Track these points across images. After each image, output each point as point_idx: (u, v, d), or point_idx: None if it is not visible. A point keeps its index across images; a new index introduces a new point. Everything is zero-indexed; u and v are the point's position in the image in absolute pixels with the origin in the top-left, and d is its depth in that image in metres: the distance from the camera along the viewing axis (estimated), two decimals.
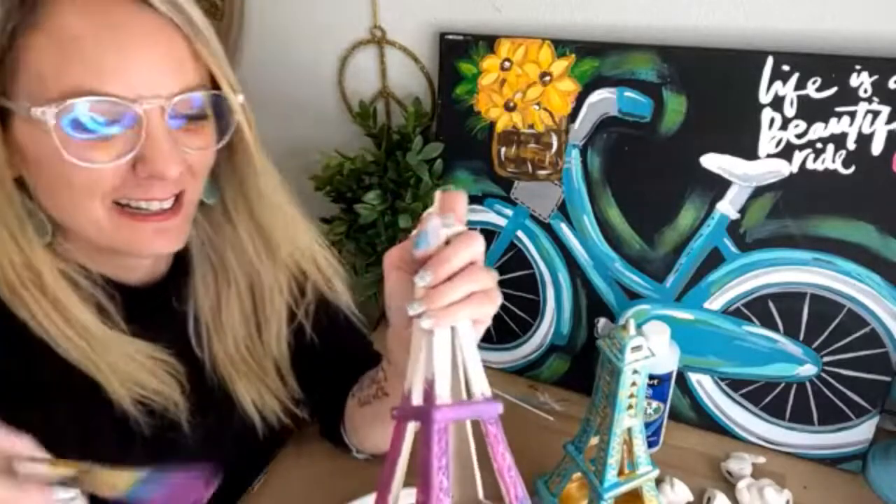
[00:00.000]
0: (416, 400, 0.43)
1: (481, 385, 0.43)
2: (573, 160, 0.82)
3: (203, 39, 0.52)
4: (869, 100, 0.67)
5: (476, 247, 0.46)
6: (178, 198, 0.55)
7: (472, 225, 0.90)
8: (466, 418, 0.42)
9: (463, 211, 0.46)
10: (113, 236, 0.53)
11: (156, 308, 0.62)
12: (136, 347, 0.57)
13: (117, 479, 0.39)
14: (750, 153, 0.73)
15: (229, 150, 0.58)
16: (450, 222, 0.44)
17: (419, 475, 0.38)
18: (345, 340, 0.75)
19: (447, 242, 0.45)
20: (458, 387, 0.43)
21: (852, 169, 0.69)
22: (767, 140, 0.72)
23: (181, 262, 0.64)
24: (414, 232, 0.46)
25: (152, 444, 0.60)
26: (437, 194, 0.46)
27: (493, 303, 0.47)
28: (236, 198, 0.61)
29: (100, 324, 0.55)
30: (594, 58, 0.77)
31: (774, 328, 0.77)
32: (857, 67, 0.66)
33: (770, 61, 0.70)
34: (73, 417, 0.56)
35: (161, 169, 0.50)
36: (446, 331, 0.43)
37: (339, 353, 0.75)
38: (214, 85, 0.54)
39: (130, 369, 0.56)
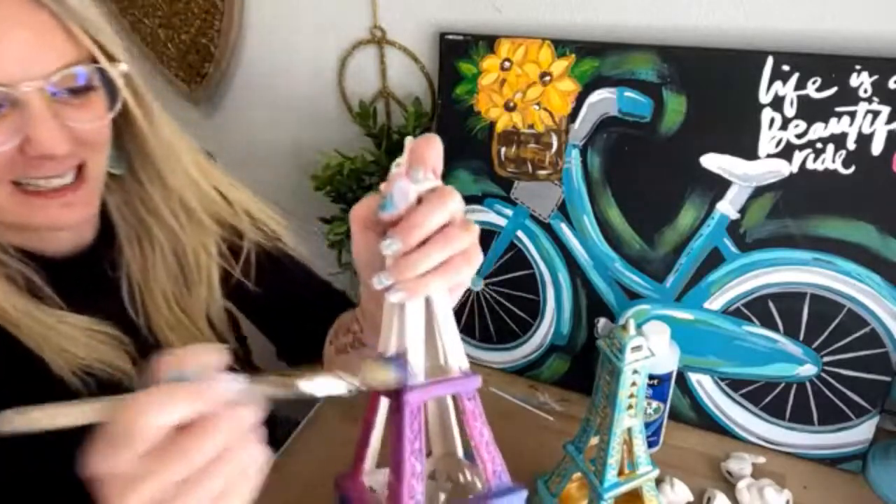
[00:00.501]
0: None
1: (458, 358, 0.40)
2: (573, 160, 0.82)
3: (74, 16, 0.52)
4: (869, 100, 0.67)
5: (452, 204, 0.40)
6: (81, 170, 0.55)
7: None
8: (443, 394, 0.39)
9: (436, 160, 0.41)
10: (19, 215, 0.54)
11: (88, 277, 0.62)
12: (73, 321, 0.57)
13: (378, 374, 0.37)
14: (750, 153, 0.73)
15: (127, 119, 0.58)
16: (420, 177, 0.39)
17: (391, 456, 0.35)
18: (300, 289, 0.77)
19: (420, 201, 0.39)
20: (436, 358, 0.39)
21: (852, 169, 0.69)
22: (767, 140, 0.72)
23: (107, 229, 0.64)
24: (383, 186, 0.40)
25: None
26: (407, 142, 0.40)
27: (472, 265, 0.42)
28: (144, 165, 0.61)
29: (30, 301, 0.56)
30: (594, 58, 0.77)
31: (774, 328, 0.77)
32: (857, 67, 0.66)
33: (770, 61, 0.70)
34: (19, 397, 0.57)
35: (48, 148, 0.50)
36: (419, 302, 0.38)
37: (296, 303, 0.76)
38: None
39: (71, 344, 0.57)
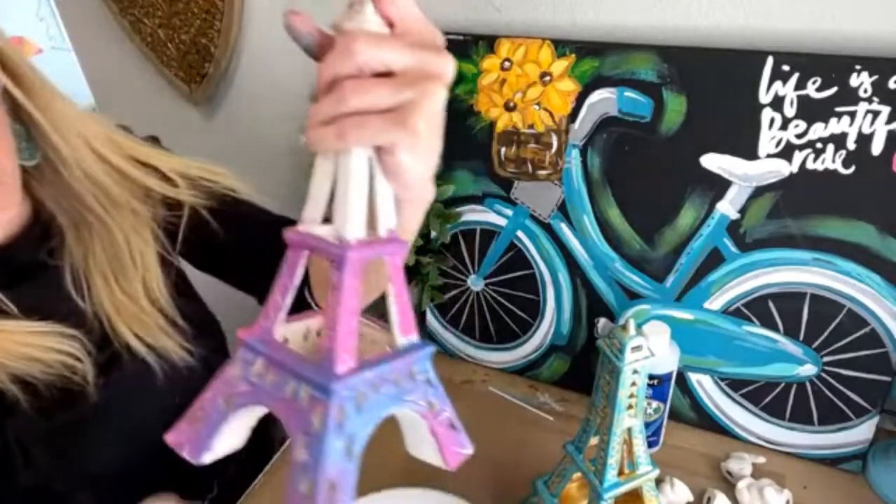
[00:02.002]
0: (319, 228, 0.37)
1: (387, 220, 0.38)
2: (573, 160, 0.82)
3: None
4: (869, 100, 0.67)
5: (360, 53, 0.34)
6: None
7: (472, 225, 0.91)
8: (380, 255, 0.38)
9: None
10: None
11: (26, 267, 0.62)
12: (12, 327, 0.57)
13: None
14: (750, 153, 0.73)
15: (15, 105, 0.57)
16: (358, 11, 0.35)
17: (328, 319, 0.34)
18: (262, 231, 0.75)
19: None
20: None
21: (852, 169, 0.69)
22: (767, 140, 0.72)
23: (39, 218, 0.63)
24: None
25: (58, 408, 0.61)
26: None
27: (398, 128, 0.35)
28: (49, 150, 0.60)
29: None
30: (594, 58, 0.77)
31: (774, 328, 0.77)
32: (857, 67, 0.66)
33: (770, 61, 0.70)
34: None
35: None
36: (351, 159, 0.35)
37: (262, 245, 0.75)
38: None
39: (6, 355, 0.56)
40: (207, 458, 0.38)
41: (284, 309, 0.39)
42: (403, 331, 0.38)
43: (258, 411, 0.38)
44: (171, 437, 0.39)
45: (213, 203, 0.71)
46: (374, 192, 0.37)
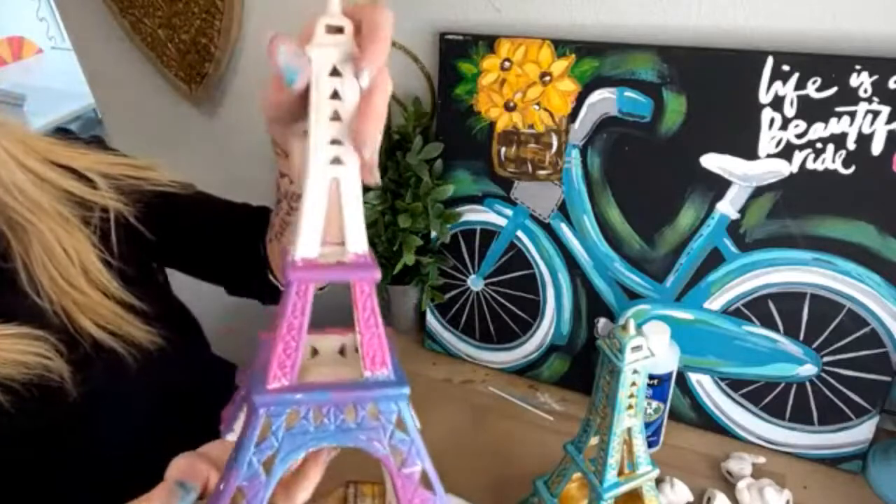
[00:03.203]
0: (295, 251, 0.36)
1: (358, 242, 0.36)
2: (573, 160, 0.82)
3: None
4: (869, 100, 0.67)
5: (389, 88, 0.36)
6: None
7: (472, 225, 0.91)
8: (336, 281, 0.36)
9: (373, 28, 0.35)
10: None
11: None
12: None
13: None
14: (750, 153, 0.73)
15: None
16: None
17: (273, 334, 0.35)
18: (206, 219, 0.76)
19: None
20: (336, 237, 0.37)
21: (852, 169, 0.69)
22: (767, 140, 0.72)
23: None
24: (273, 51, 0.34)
25: (41, 408, 0.61)
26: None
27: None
28: None
29: None
30: (594, 58, 0.77)
31: (774, 328, 0.77)
32: (857, 67, 0.66)
33: (770, 61, 0.70)
34: None
35: None
36: (309, 181, 0.35)
37: (211, 233, 0.76)
38: None
39: None
40: (230, 436, 0.40)
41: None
42: (370, 364, 0.36)
43: None
44: (223, 413, 0.41)
45: (138, 207, 0.69)
46: (342, 213, 0.36)
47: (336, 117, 0.35)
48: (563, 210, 0.84)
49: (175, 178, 0.72)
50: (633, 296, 0.84)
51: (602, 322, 0.87)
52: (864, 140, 0.68)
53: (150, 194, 0.71)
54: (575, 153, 0.82)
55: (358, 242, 0.36)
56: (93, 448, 0.67)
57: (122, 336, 0.67)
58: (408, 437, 0.36)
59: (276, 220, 0.68)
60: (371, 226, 0.91)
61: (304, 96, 0.35)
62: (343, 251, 0.36)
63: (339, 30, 0.35)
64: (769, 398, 0.80)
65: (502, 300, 0.92)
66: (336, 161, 0.35)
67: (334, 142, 0.35)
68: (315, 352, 0.40)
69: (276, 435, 0.34)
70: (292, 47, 0.33)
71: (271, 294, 0.77)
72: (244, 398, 0.38)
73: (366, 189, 0.37)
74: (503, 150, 0.86)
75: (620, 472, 0.61)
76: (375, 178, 0.37)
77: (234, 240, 0.75)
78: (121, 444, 0.69)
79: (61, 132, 0.70)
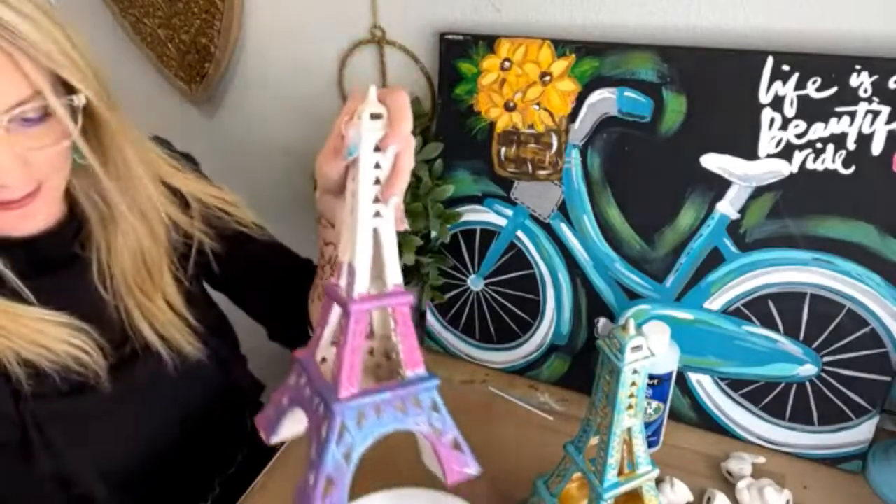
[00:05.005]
0: (342, 280, 0.48)
1: (395, 276, 0.48)
2: (573, 160, 0.82)
3: (29, 51, 0.52)
4: (869, 100, 0.67)
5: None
6: (39, 186, 0.58)
7: (472, 225, 0.91)
8: (383, 306, 0.47)
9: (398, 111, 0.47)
10: None
11: (59, 256, 0.65)
12: (30, 313, 0.60)
13: None
14: (750, 153, 0.73)
15: (91, 127, 0.60)
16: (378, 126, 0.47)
17: (337, 353, 0.45)
18: (270, 267, 0.81)
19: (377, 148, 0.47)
20: (380, 274, 0.48)
21: (852, 169, 0.69)
22: (767, 140, 0.72)
23: (75, 211, 0.67)
24: (344, 131, 0.48)
25: (66, 395, 0.64)
26: (372, 91, 0.47)
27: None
28: (103, 164, 0.63)
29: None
30: (594, 58, 0.77)
31: (774, 328, 0.77)
32: (857, 67, 0.66)
33: (770, 61, 0.70)
34: None
35: (1, 178, 0.53)
36: (357, 233, 0.46)
37: (270, 280, 0.80)
38: (62, 83, 0.56)
39: (39, 336, 0.60)
40: (274, 440, 0.50)
41: (325, 338, 0.50)
42: (410, 365, 0.48)
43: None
44: (256, 420, 0.51)
45: (219, 240, 0.75)
46: (382, 255, 0.47)
47: (376, 182, 0.47)
48: (563, 210, 0.84)
49: (256, 220, 0.79)
50: (633, 296, 0.84)
51: (602, 322, 0.87)
52: (864, 140, 0.68)
53: (231, 231, 0.76)
54: (575, 153, 0.82)
55: (396, 276, 0.48)
56: (112, 441, 0.70)
57: (170, 342, 0.71)
58: (441, 415, 0.48)
59: (319, 283, 0.73)
60: None
61: (348, 167, 0.50)
62: (383, 283, 0.48)
63: (378, 115, 0.47)
64: (769, 398, 0.80)
65: (502, 300, 0.92)
66: (377, 215, 0.47)
67: (375, 200, 0.47)
68: (324, 360, 0.50)
69: (351, 431, 0.44)
70: (357, 130, 0.46)
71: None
72: (288, 407, 0.49)
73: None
74: (503, 150, 0.86)
75: (620, 472, 0.61)
76: (405, 224, 0.49)
77: (289, 294, 0.80)
78: (140, 445, 0.73)
79: (158, 140, 0.75)
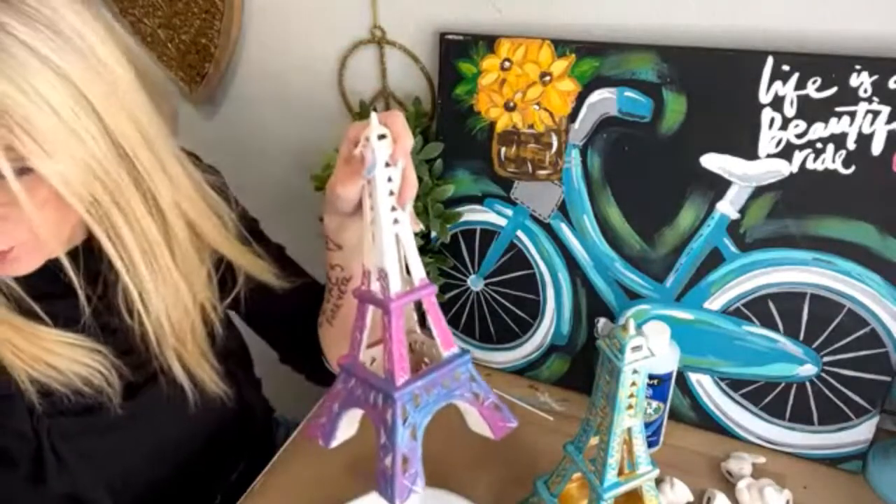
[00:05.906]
0: (374, 285, 0.53)
1: (419, 271, 0.54)
2: (573, 160, 0.82)
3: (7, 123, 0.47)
4: (869, 100, 0.67)
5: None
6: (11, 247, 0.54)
7: (472, 225, 0.91)
8: (417, 299, 0.53)
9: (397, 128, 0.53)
10: None
11: (84, 272, 0.61)
12: (46, 334, 0.59)
13: None
14: (750, 153, 0.73)
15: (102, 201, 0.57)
16: (385, 145, 0.53)
17: (385, 348, 0.51)
18: (286, 300, 0.79)
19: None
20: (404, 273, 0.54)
21: (852, 169, 0.69)
22: (767, 140, 0.72)
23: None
24: (367, 154, 0.52)
25: (76, 416, 0.64)
26: (374, 116, 0.53)
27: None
28: (124, 255, 0.60)
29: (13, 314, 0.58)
30: (594, 58, 0.77)
31: (774, 328, 0.77)
32: (857, 67, 0.66)
33: (770, 61, 0.70)
34: None
35: None
36: (384, 241, 0.52)
37: (287, 312, 0.81)
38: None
39: (50, 356, 0.59)
40: (334, 443, 0.55)
41: (364, 342, 0.55)
42: (445, 346, 0.54)
43: (358, 411, 0.54)
44: (307, 431, 0.57)
45: (247, 285, 0.73)
46: (406, 255, 0.53)
47: (391, 193, 0.53)
48: (563, 210, 0.84)
49: (274, 241, 0.81)
50: (633, 296, 0.84)
51: (602, 322, 0.87)
52: (864, 140, 0.68)
53: (249, 291, 0.74)
54: (575, 153, 0.82)
55: (420, 271, 0.54)
56: (123, 464, 0.71)
57: (195, 376, 0.70)
58: (478, 383, 0.55)
59: (327, 307, 0.74)
60: None
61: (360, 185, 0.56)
62: (409, 279, 0.53)
63: (384, 136, 0.52)
64: (769, 398, 0.80)
65: (502, 300, 0.92)
66: (396, 222, 0.53)
67: (392, 209, 0.52)
68: (373, 360, 0.57)
69: (411, 412, 0.50)
70: (371, 152, 0.51)
71: (316, 374, 0.83)
72: (340, 412, 0.54)
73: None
74: (503, 150, 0.86)
75: (620, 472, 0.61)
76: (419, 226, 0.56)
77: (302, 320, 0.80)
78: (151, 468, 0.74)
79: (186, 153, 0.69)
